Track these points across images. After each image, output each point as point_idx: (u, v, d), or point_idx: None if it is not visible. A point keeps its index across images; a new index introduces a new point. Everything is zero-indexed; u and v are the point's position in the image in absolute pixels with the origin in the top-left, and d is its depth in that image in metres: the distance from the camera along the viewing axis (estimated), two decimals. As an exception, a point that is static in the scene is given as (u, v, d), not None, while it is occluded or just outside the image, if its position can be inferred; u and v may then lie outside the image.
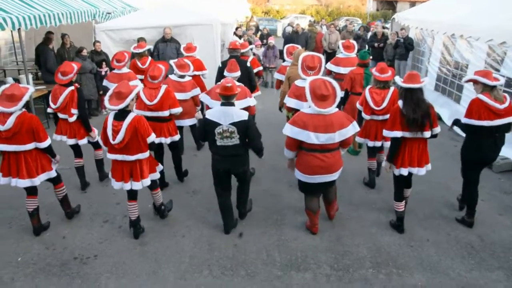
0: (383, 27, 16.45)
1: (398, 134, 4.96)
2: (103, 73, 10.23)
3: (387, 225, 5.55)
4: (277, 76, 8.74)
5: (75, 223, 5.57)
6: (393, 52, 12.78)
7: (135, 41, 10.71)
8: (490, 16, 8.82)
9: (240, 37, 14.00)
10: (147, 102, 5.96)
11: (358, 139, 6.54)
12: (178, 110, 6.19)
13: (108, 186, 6.53)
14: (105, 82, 8.35)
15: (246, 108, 6.03)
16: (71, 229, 5.42)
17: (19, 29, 7.78)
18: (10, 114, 4.75)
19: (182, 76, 7.15)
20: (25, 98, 4.81)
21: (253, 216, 5.71)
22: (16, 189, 5.89)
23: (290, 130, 4.85)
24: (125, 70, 8.03)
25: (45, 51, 10.20)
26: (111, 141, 4.80)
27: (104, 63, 10.38)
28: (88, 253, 4.92)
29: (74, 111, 6.07)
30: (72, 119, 6.09)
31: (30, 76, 9.36)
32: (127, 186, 5.01)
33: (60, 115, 6.19)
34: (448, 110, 9.86)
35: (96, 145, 6.56)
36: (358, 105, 6.38)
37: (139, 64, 8.71)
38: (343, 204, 5.93)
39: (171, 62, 7.39)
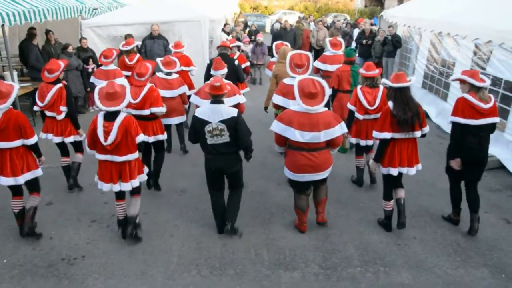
0: (372, 24, 16.51)
1: (387, 135, 4.99)
2: (89, 70, 10.14)
3: (375, 223, 5.59)
4: (268, 73, 8.70)
5: (62, 223, 5.53)
6: (381, 50, 12.84)
7: (122, 38, 10.65)
8: (477, 14, 8.90)
9: (228, 33, 13.95)
10: (131, 100, 5.85)
11: (352, 140, 6.53)
12: (159, 109, 6.06)
13: (95, 185, 6.48)
14: (92, 79, 8.31)
15: (236, 106, 6.03)
16: (58, 229, 5.38)
17: (2, 25, 7.66)
18: None
19: (169, 74, 7.11)
20: (13, 95, 4.74)
21: (241, 215, 5.67)
22: (2, 189, 5.82)
23: (276, 126, 4.94)
24: (112, 66, 7.99)
25: (28, 47, 10.07)
26: (102, 142, 4.72)
27: (90, 60, 10.28)
28: (75, 254, 4.89)
29: (63, 108, 5.99)
30: (61, 116, 6.01)
31: (15, 73, 9.22)
32: (116, 187, 4.94)
33: (48, 113, 6.11)
34: (435, 108, 9.95)
35: (78, 148, 6.45)
36: (350, 106, 6.32)
37: (127, 60, 8.65)
38: (331, 202, 5.94)
39: (158, 60, 7.35)
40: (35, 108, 6.23)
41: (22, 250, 4.95)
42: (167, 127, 6.93)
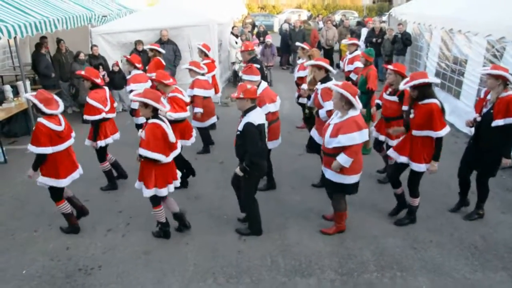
0: (382, 22, 16.41)
1: (448, 129, 5.11)
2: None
3: (390, 226, 5.57)
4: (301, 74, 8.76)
5: (78, 233, 5.56)
6: (391, 48, 12.76)
7: (132, 44, 10.73)
8: (489, 11, 8.78)
9: (237, 36, 13.96)
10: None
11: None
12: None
13: (109, 193, 6.56)
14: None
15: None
16: (75, 239, 5.43)
17: (15, 37, 7.74)
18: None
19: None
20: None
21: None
22: (18, 199, 5.92)
23: (360, 136, 4.82)
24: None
25: (38, 57, 10.23)
26: (173, 140, 5.04)
27: (101, 67, 10.33)
28: (92, 264, 4.93)
29: (115, 105, 6.68)
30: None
31: (28, 82, 9.31)
32: (172, 187, 5.24)
33: (110, 116, 6.49)
34: (448, 106, 9.80)
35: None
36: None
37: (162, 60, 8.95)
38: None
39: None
40: (101, 116, 6.30)
41: (40, 261, 5.00)
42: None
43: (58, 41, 10.78)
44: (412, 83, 5.04)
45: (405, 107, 6.00)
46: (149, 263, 4.95)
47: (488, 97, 5.32)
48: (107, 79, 10.24)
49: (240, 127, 4.98)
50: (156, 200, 5.21)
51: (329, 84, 5.65)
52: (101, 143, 6.43)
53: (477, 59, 8.71)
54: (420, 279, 4.59)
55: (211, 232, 5.52)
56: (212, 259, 4.98)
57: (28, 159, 8.12)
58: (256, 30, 17.48)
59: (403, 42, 12.41)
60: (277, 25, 29.32)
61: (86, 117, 6.32)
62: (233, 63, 13.56)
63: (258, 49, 13.97)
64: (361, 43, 14.55)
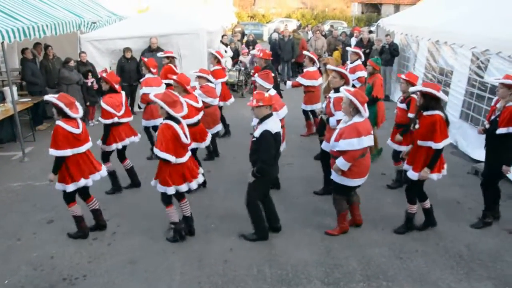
0: (370, 32, 16.60)
1: (449, 140, 5.28)
2: (89, 84, 10.15)
3: (376, 236, 5.59)
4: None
5: (63, 241, 5.51)
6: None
7: (121, 51, 10.71)
8: (474, 23, 8.93)
9: (226, 45, 14.00)
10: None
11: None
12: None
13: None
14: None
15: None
16: (59, 248, 5.36)
17: (2, 43, 7.68)
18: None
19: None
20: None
21: (242, 230, 5.68)
22: (1, 207, 5.84)
23: (358, 142, 5.00)
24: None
25: (23, 63, 10.16)
26: (186, 141, 5.12)
27: (90, 73, 10.29)
28: (77, 273, 4.87)
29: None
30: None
31: (15, 88, 9.22)
32: (193, 185, 5.39)
33: (124, 120, 6.60)
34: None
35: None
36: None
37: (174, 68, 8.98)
38: (330, 215, 5.94)
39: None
40: (113, 120, 6.43)
41: (23, 270, 4.93)
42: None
43: (46, 47, 10.72)
44: (420, 88, 5.22)
45: (411, 115, 6.22)
46: (135, 272, 4.91)
47: (498, 105, 5.46)
48: (96, 86, 10.20)
49: (257, 134, 5.06)
50: (168, 199, 5.33)
51: (341, 90, 5.77)
52: (113, 146, 6.58)
53: (462, 71, 8.84)
54: (406, 288, 4.62)
55: (198, 241, 5.49)
56: (198, 269, 4.95)
57: (13, 165, 8.08)
58: (245, 39, 17.57)
59: (391, 52, 12.55)
60: (266, 34, 29.51)
61: (100, 119, 6.50)
62: (222, 72, 13.56)
63: (247, 58, 14.03)
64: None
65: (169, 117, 5.08)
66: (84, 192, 5.54)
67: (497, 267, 4.93)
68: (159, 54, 9.32)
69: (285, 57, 15.50)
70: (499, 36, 7.55)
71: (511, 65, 7.15)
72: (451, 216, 6.02)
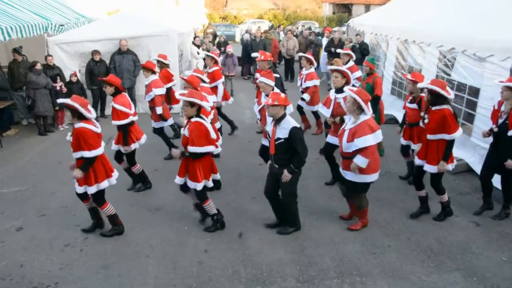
0: (343, 32, 16.81)
1: (461, 131, 5.43)
2: (57, 88, 9.94)
3: (349, 232, 5.66)
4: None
5: (33, 249, 5.38)
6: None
7: (89, 54, 10.54)
8: (441, 22, 9.14)
9: (198, 46, 13.94)
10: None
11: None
12: None
13: (68, 207, 6.37)
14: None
15: None
16: (30, 256, 5.23)
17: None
18: None
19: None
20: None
21: (217, 231, 5.68)
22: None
23: (373, 138, 5.18)
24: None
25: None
26: (215, 137, 5.41)
27: (58, 77, 10.07)
28: (48, 281, 4.76)
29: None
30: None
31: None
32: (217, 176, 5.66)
33: (135, 118, 6.61)
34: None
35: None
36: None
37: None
38: (305, 213, 5.99)
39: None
40: (130, 119, 6.45)
41: (-9, 280, 4.80)
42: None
43: (14, 50, 10.43)
44: (427, 86, 5.39)
45: (423, 114, 6.32)
46: (108, 278, 4.83)
47: (502, 108, 5.60)
48: (65, 90, 10.00)
49: (283, 135, 5.11)
50: (204, 195, 5.53)
51: (344, 89, 5.94)
52: (134, 145, 6.61)
53: (430, 69, 9.03)
54: (379, 283, 4.69)
55: (172, 244, 5.45)
56: (172, 271, 4.92)
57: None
58: (217, 40, 17.53)
59: (361, 52, 12.72)
60: (238, 35, 29.51)
61: (115, 122, 6.45)
62: (195, 73, 13.50)
63: (219, 59, 13.98)
64: (323, 52, 14.93)
65: (198, 114, 5.29)
66: (101, 195, 5.48)
67: (466, 259, 5.07)
68: (153, 59, 9.17)
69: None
70: (464, 34, 7.76)
71: (476, 63, 7.37)
72: (423, 213, 6.13)
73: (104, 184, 5.33)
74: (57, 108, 9.95)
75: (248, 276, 4.83)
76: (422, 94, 6.37)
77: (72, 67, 10.73)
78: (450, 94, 5.36)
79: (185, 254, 5.23)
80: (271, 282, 4.72)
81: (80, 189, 5.30)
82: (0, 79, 9.81)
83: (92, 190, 5.25)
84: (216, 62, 9.28)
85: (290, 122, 5.13)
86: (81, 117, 5.09)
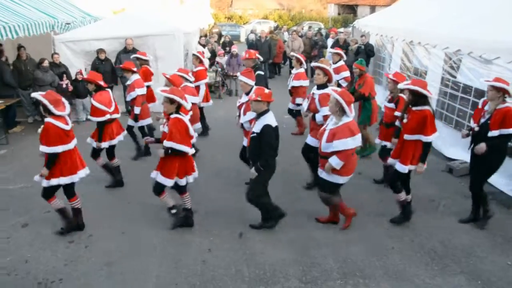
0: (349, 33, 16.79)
1: (437, 134, 5.42)
2: (64, 85, 9.98)
3: (353, 234, 5.65)
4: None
5: (39, 245, 5.41)
6: (354, 58, 13.01)
7: (95, 52, 10.57)
8: (447, 24, 9.12)
9: (204, 46, 13.97)
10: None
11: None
12: None
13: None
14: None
15: None
16: (35, 252, 5.26)
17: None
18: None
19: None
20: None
21: (220, 230, 5.69)
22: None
23: (352, 141, 5.15)
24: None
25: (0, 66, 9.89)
26: (193, 134, 5.47)
27: (64, 75, 10.12)
28: (53, 277, 4.78)
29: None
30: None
31: (-14, 90, 9.04)
32: (190, 178, 5.65)
33: (115, 116, 6.70)
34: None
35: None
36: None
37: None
38: (308, 214, 6.00)
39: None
40: (107, 117, 6.48)
41: (-4, 276, 4.83)
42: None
43: (19, 47, 10.49)
44: (409, 86, 5.35)
45: (397, 113, 6.32)
46: (111, 275, 4.85)
47: (486, 107, 5.55)
48: (71, 88, 10.05)
49: (257, 129, 5.19)
50: (160, 189, 5.53)
51: (327, 90, 6.05)
52: (105, 144, 6.65)
53: (436, 70, 9.02)
54: (382, 285, 4.69)
55: (176, 243, 5.47)
56: (175, 270, 4.93)
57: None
58: (222, 39, 17.54)
59: (366, 53, 12.71)
60: (243, 35, 29.51)
61: (92, 118, 6.53)
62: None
63: (224, 59, 14.02)
64: (328, 53, 14.91)
65: (177, 111, 5.33)
66: (69, 190, 5.54)
67: (470, 262, 5.06)
68: (132, 56, 9.24)
69: (262, 58, 15.51)
70: (470, 36, 7.73)
71: (482, 65, 7.34)
72: (425, 213, 6.13)
73: (66, 180, 5.35)
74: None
75: (251, 275, 4.84)
76: (401, 95, 6.39)
77: (78, 65, 10.75)
78: (432, 94, 5.36)
79: (188, 253, 5.24)
80: (274, 282, 4.73)
81: (42, 182, 5.33)
82: (8, 77, 9.84)
83: (53, 182, 5.30)
84: (201, 62, 9.25)
85: (268, 119, 5.20)
86: (51, 113, 5.14)
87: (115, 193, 6.88)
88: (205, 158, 8.26)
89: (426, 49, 9.51)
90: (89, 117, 6.55)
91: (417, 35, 9.96)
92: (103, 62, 10.61)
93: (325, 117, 6.21)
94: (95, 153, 6.77)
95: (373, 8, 41.05)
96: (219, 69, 13.65)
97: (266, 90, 5.33)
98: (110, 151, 6.90)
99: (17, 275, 4.83)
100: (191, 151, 5.42)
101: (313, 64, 7.02)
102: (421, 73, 9.89)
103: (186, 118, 5.38)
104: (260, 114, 5.26)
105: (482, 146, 5.38)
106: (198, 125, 8.12)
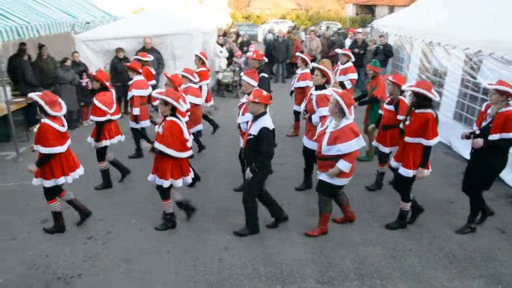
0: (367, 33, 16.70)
1: (438, 139, 5.28)
2: (83, 84, 10.12)
3: (370, 235, 5.62)
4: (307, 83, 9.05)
5: (58, 240, 5.50)
6: (372, 59, 12.93)
7: (114, 51, 10.70)
8: (467, 24, 9.00)
9: (222, 45, 14.02)
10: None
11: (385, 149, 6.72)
12: None
13: (90, 200, 6.48)
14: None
15: None
16: (54, 247, 5.35)
17: (-4, 42, 7.66)
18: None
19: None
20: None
21: (237, 229, 5.70)
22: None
23: (357, 143, 5.09)
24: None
25: (21, 63, 10.04)
26: (188, 137, 5.45)
27: (84, 74, 10.26)
28: (72, 272, 4.86)
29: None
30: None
31: (8, 88, 9.17)
32: (188, 179, 5.67)
33: (114, 117, 6.78)
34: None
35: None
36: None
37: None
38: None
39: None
40: (106, 118, 6.58)
41: (18, 269, 4.91)
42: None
43: (40, 47, 10.66)
44: (413, 89, 5.27)
45: (400, 117, 6.19)
46: (129, 271, 4.91)
47: (489, 111, 5.44)
48: (90, 86, 10.17)
49: (254, 131, 5.19)
50: (165, 193, 5.60)
51: (326, 91, 6.06)
52: (106, 142, 6.73)
53: (455, 71, 8.91)
54: (399, 287, 4.65)
55: (193, 241, 5.50)
56: (193, 268, 4.96)
57: (7, 165, 8.04)
58: (240, 39, 17.59)
59: (385, 53, 12.61)
60: (261, 35, 29.50)
61: (92, 117, 6.62)
62: (217, 72, 13.61)
63: (241, 60, 14.05)
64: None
65: (173, 113, 5.34)
66: (52, 192, 5.60)
67: (490, 266, 4.99)
68: (133, 57, 9.28)
69: (279, 58, 15.54)
70: (491, 37, 7.62)
71: (504, 66, 7.22)
72: (444, 216, 6.07)
73: (61, 181, 5.42)
74: (82, 104, 10.13)
75: (267, 275, 4.84)
76: (401, 97, 6.33)
77: (97, 64, 10.91)
78: (436, 96, 5.27)
79: (205, 251, 5.27)
80: (290, 282, 4.72)
81: (36, 181, 5.43)
82: (29, 76, 10.00)
83: (48, 184, 5.37)
84: (203, 63, 9.24)
85: (265, 121, 5.19)
86: (47, 114, 5.20)
87: (132, 190, 6.95)
88: (217, 157, 8.30)
89: (446, 49, 9.40)
90: (90, 117, 6.62)
91: (436, 35, 9.85)
92: (121, 61, 10.73)
93: (321, 118, 6.10)
94: (101, 156, 6.84)
95: (391, 8, 40.69)
96: (237, 69, 13.68)
97: (264, 93, 5.31)
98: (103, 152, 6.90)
99: (38, 269, 4.92)
100: (182, 155, 5.42)
101: (314, 65, 6.96)
102: (441, 74, 9.78)
103: (181, 121, 5.39)
104: (257, 116, 5.23)
105: (479, 141, 5.31)
106: (200, 126, 8.12)
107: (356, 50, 13.56)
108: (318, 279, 4.76)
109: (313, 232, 5.59)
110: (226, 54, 14.05)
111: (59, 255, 5.20)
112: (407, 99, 6.18)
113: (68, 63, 9.88)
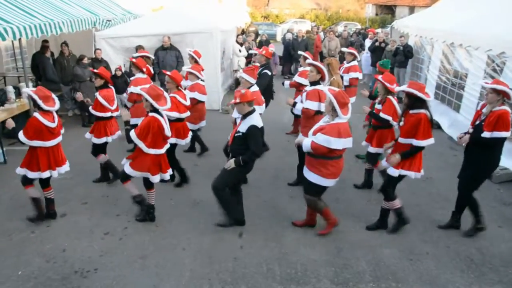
0: (386, 34, 16.56)
1: (432, 141, 5.19)
2: (103, 81, 10.22)
3: (386, 237, 5.57)
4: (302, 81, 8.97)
5: (75, 235, 5.57)
6: (393, 60, 12.81)
7: (134, 49, 10.78)
8: (490, 25, 8.84)
9: (241, 44, 14.04)
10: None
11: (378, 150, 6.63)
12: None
13: (108, 197, 6.57)
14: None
15: None
16: (72, 241, 5.43)
17: (19, 39, 7.79)
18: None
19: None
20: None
21: (254, 228, 5.72)
22: (15, 200, 5.92)
23: (335, 143, 5.01)
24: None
25: (42, 60, 10.23)
26: (169, 134, 5.49)
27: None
28: (88, 267, 4.92)
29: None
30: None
31: (31, 84, 9.35)
32: (166, 176, 5.72)
33: (115, 114, 6.86)
34: (448, 119, 9.89)
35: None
36: (386, 116, 6.33)
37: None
38: (342, 216, 5.93)
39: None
40: (108, 114, 6.70)
41: (36, 262, 4.99)
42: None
43: (62, 44, 10.84)
44: (404, 89, 5.22)
45: (382, 115, 6.28)
46: (145, 267, 4.95)
47: (484, 110, 5.37)
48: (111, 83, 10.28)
49: (243, 129, 5.25)
50: (127, 177, 5.66)
51: (319, 86, 6.20)
52: (107, 139, 6.78)
53: (477, 73, 8.77)
54: (415, 290, 4.60)
55: (208, 239, 5.52)
56: (208, 265, 4.98)
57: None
58: (259, 38, 17.58)
59: (405, 54, 12.48)
60: (280, 35, 29.50)
61: (94, 112, 6.66)
62: (235, 71, 13.63)
63: (261, 58, 14.03)
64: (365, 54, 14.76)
65: (154, 110, 5.39)
66: (45, 182, 5.74)
67: (509, 272, 4.90)
68: (135, 54, 9.26)
69: (298, 57, 15.46)
70: (515, 38, 7.48)
71: (527, 68, 7.09)
72: (462, 220, 5.95)
73: (45, 174, 5.53)
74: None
75: (282, 274, 4.83)
76: (389, 97, 6.27)
77: (117, 61, 11.03)
78: (429, 96, 5.17)
79: (221, 249, 5.29)
80: (305, 282, 4.71)
81: (20, 171, 5.52)
82: (50, 73, 10.17)
83: (32, 175, 5.49)
84: (196, 62, 9.08)
85: (253, 119, 5.25)
86: (41, 108, 5.33)
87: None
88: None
89: (467, 51, 9.26)
90: (91, 110, 6.67)
91: (458, 36, 9.70)
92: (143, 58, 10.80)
93: (304, 110, 6.34)
94: (96, 150, 6.88)
95: (412, 9, 40.28)
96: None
97: (243, 91, 5.38)
98: (102, 148, 6.94)
99: (56, 262, 4.99)
100: (150, 151, 5.43)
101: (308, 61, 7.03)
102: (461, 76, 9.64)
103: (162, 119, 5.41)
104: (245, 115, 5.30)
105: (465, 138, 5.31)
106: (204, 123, 8.13)
107: (377, 44, 13.49)
108: (333, 280, 4.74)
109: (325, 230, 5.60)
110: (245, 53, 14.06)
111: (77, 249, 5.27)
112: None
113: (85, 60, 9.99)
